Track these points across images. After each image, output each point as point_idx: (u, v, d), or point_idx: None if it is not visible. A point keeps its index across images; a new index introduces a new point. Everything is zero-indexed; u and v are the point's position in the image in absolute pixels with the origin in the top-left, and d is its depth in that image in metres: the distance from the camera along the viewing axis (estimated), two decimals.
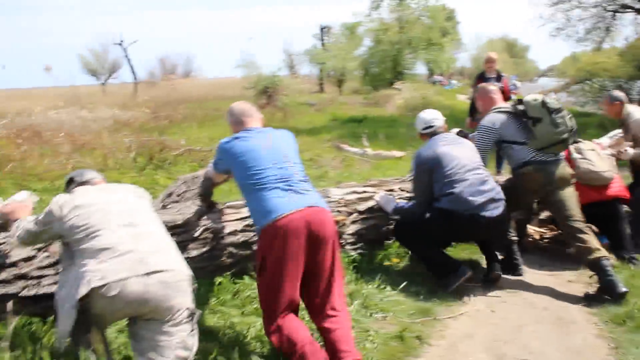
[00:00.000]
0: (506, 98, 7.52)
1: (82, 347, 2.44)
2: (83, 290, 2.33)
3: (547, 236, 5.34)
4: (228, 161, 3.12)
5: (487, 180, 4.04)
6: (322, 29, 41.33)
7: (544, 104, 4.20)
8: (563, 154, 4.37)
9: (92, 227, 2.53)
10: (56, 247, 3.18)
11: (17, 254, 3.19)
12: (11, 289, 3.09)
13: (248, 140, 3.03)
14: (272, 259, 2.83)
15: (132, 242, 2.49)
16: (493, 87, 4.85)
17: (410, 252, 4.30)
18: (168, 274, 2.46)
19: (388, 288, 3.86)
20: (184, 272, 2.56)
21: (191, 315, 2.54)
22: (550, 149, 4.21)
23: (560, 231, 4.90)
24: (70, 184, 3.00)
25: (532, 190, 4.38)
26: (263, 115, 3.39)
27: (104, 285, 2.32)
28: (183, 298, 2.50)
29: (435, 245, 4.15)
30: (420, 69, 27.52)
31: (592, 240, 4.09)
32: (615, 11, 14.62)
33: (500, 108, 4.49)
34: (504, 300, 3.98)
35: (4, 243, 3.21)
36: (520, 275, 4.37)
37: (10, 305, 2.91)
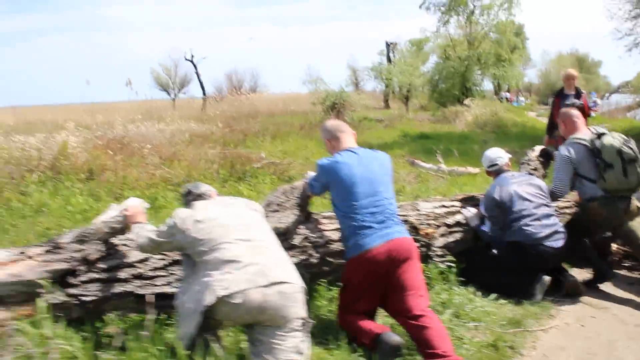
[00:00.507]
0: (586, 115, 7.49)
1: (200, 346, 2.66)
2: (209, 299, 2.58)
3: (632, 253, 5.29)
4: (327, 181, 3.39)
5: (551, 215, 4.29)
6: (387, 45, 41.60)
7: (619, 152, 4.24)
8: None
9: (214, 241, 2.79)
10: None
11: (135, 255, 3.52)
12: (128, 287, 3.41)
13: (352, 167, 3.28)
14: (354, 283, 3.23)
15: (251, 255, 2.74)
16: (576, 112, 4.89)
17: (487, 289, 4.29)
18: (285, 286, 2.69)
19: (477, 299, 3.97)
20: (299, 285, 2.79)
21: (304, 324, 2.76)
22: (617, 193, 4.27)
23: None
24: (188, 195, 3.30)
25: (597, 222, 4.45)
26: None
27: (228, 295, 2.57)
28: (298, 308, 2.74)
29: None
30: (487, 85, 27.29)
31: None
32: None
33: (580, 139, 4.54)
34: (593, 315, 4.01)
35: (125, 244, 3.55)
36: (614, 276, 4.48)
37: (151, 298, 3.19)
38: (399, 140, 15.22)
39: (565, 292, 4.27)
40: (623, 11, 15.88)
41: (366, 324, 3.16)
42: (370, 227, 3.15)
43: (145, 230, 3.14)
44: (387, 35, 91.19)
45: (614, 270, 4.76)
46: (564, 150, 4.51)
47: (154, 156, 8.45)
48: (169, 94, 47.70)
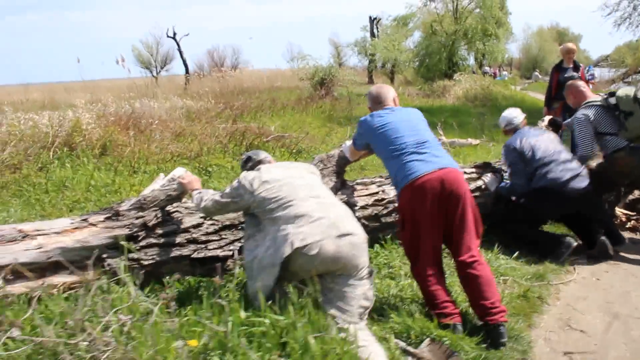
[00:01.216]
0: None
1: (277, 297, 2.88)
2: (287, 250, 2.77)
3: (633, 218, 5.65)
4: (368, 135, 3.55)
5: (572, 160, 4.57)
6: (371, 20, 41.53)
7: (636, 98, 4.53)
8: None
9: (283, 199, 3.00)
10: None
11: (188, 221, 3.74)
12: (184, 251, 3.64)
13: (385, 116, 3.47)
14: (411, 214, 3.27)
15: (321, 210, 2.94)
16: (581, 82, 5.17)
17: (515, 240, 4.59)
18: (355, 237, 2.91)
19: (502, 256, 4.27)
20: (364, 236, 3.00)
21: (370, 272, 3.01)
22: None
23: None
24: (249, 162, 3.49)
25: (624, 172, 4.73)
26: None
27: (305, 246, 2.77)
28: (365, 257, 2.96)
29: (535, 225, 4.61)
30: (470, 60, 27.49)
31: None
32: None
33: (592, 102, 4.83)
34: (606, 270, 4.35)
35: (177, 211, 3.76)
36: (624, 243, 4.72)
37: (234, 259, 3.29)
38: None
39: (598, 250, 4.54)
40: None
41: (440, 297, 3.21)
42: (418, 158, 3.25)
43: (208, 194, 3.33)
44: (370, 10, 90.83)
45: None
46: (580, 115, 4.78)
47: (163, 132, 8.58)
48: (151, 71, 47.25)
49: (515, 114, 4.95)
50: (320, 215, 2.89)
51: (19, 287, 3.09)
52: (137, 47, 45.43)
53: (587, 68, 7.78)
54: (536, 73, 43.38)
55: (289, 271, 2.85)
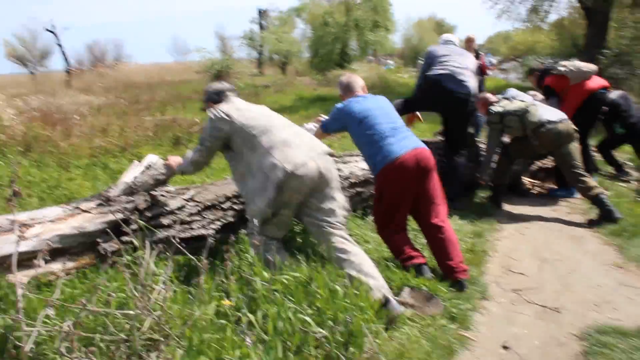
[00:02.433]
0: (484, 73, 8.77)
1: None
2: (280, 174, 3.18)
3: (537, 185, 6.57)
4: (346, 120, 3.94)
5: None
6: (260, 12, 41.79)
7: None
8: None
9: (262, 126, 3.40)
10: None
11: (173, 203, 3.97)
12: (171, 232, 3.87)
13: (363, 103, 3.92)
14: (390, 191, 3.76)
15: (296, 136, 3.42)
16: (491, 95, 5.97)
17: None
18: (325, 154, 3.42)
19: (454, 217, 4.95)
20: (330, 151, 3.55)
21: (341, 183, 3.55)
22: None
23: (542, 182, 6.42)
24: (213, 88, 3.74)
25: (544, 145, 5.47)
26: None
27: (294, 169, 3.19)
28: (336, 169, 3.52)
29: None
30: (363, 51, 28.55)
31: (591, 182, 5.29)
32: None
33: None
34: (527, 227, 5.13)
35: (164, 195, 3.98)
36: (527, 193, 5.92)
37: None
38: (297, 103, 15.94)
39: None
40: None
41: (407, 248, 3.76)
42: (393, 140, 3.73)
43: (189, 153, 3.64)
44: (257, 3, 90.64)
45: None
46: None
47: (83, 127, 8.46)
48: (27, 67, 44.34)
49: None
50: (298, 141, 3.37)
51: (26, 273, 3.22)
52: (9, 42, 42.49)
53: (486, 55, 8.68)
54: (420, 61, 45.73)
55: (284, 195, 3.24)
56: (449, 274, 3.67)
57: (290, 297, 2.76)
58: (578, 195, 5.86)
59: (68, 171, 6.60)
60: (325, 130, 4.24)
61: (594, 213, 5.26)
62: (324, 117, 4.45)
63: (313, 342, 2.56)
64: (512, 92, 5.81)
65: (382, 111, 3.89)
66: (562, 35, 18.40)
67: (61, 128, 7.84)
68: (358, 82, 4.12)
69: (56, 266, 3.41)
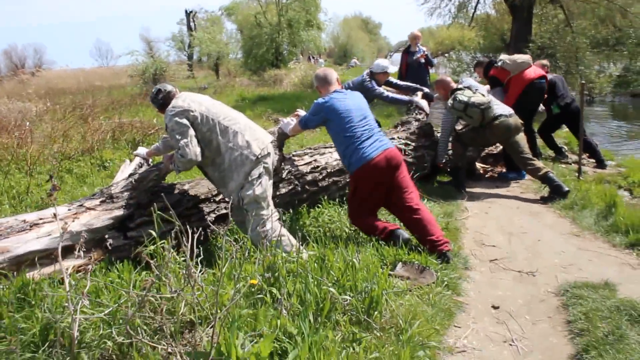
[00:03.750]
0: (430, 66, 9.32)
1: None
2: (257, 150, 3.79)
3: (489, 169, 7.11)
4: (326, 115, 4.23)
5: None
6: (187, 13, 41.24)
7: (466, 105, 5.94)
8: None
9: (222, 114, 3.87)
10: None
11: (171, 198, 4.11)
12: (170, 226, 4.03)
13: (343, 101, 4.23)
14: (364, 188, 4.17)
15: (250, 122, 4.01)
16: (449, 78, 6.45)
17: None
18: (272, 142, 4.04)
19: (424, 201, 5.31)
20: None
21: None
22: None
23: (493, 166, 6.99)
24: (159, 94, 3.98)
25: (496, 135, 5.98)
26: None
27: (264, 153, 3.82)
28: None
29: None
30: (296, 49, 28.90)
31: (538, 164, 5.85)
32: None
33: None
34: (489, 207, 5.60)
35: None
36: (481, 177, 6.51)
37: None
38: (240, 103, 16.01)
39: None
40: None
41: (379, 222, 4.19)
42: (367, 143, 4.10)
43: (174, 156, 3.84)
44: (180, 4, 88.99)
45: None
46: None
47: (37, 133, 8.32)
48: None
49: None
50: (255, 125, 4.00)
51: (46, 270, 3.32)
52: None
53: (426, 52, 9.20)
54: (354, 60, 46.40)
55: (260, 167, 3.82)
56: (433, 249, 4.02)
57: (310, 273, 3.02)
58: (527, 177, 6.42)
59: (33, 177, 6.52)
60: (304, 126, 4.52)
61: (545, 191, 5.81)
62: (302, 112, 4.72)
63: (340, 308, 2.84)
64: (469, 81, 6.27)
65: (359, 112, 4.24)
66: (489, 31, 19.46)
67: (17, 134, 7.68)
68: (333, 74, 4.43)
69: (68, 263, 3.53)
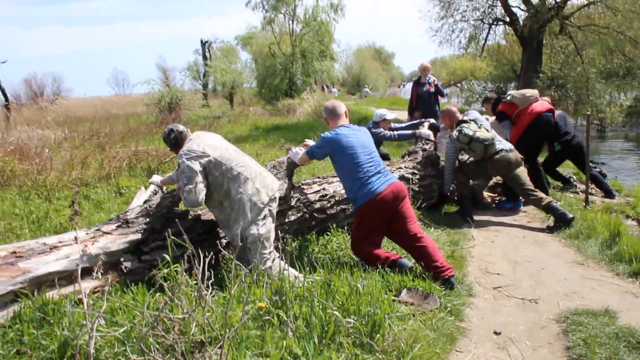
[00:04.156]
0: (437, 97, 9.51)
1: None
2: (265, 198, 4.00)
3: (497, 199, 7.21)
4: (332, 149, 4.40)
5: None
6: (202, 43, 42.06)
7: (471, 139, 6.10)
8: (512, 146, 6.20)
9: (235, 160, 4.00)
10: None
11: (184, 223, 4.28)
12: (184, 250, 4.19)
13: (350, 137, 4.37)
14: (370, 220, 4.30)
15: (260, 167, 4.18)
16: (454, 108, 6.64)
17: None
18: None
19: (431, 230, 5.43)
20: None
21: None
22: None
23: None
24: (171, 133, 4.16)
25: (497, 168, 6.15)
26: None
27: (273, 192, 4.10)
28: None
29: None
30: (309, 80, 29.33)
31: (540, 194, 5.96)
32: (491, 24, 17.47)
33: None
34: (495, 236, 5.69)
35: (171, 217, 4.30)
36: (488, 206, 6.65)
37: None
38: (254, 132, 16.30)
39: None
40: (432, 13, 19.12)
41: (381, 252, 4.30)
42: (374, 179, 4.27)
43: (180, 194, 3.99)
44: (195, 34, 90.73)
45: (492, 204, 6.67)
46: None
47: (56, 160, 8.57)
48: None
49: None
50: (265, 172, 4.18)
51: (64, 290, 3.48)
52: None
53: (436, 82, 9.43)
54: (366, 89, 46.87)
55: (265, 212, 4.00)
56: (437, 275, 4.12)
57: (316, 297, 3.15)
58: (523, 206, 6.68)
59: (52, 203, 6.74)
60: (311, 157, 4.67)
61: (551, 220, 5.89)
62: (311, 142, 4.89)
63: (344, 331, 2.96)
64: (474, 113, 6.42)
65: (364, 148, 4.39)
66: (499, 61, 19.71)
67: (37, 161, 7.94)
68: (342, 107, 4.60)
69: (85, 285, 3.69)
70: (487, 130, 6.05)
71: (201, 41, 41.67)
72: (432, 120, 7.27)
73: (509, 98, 7.01)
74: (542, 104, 6.94)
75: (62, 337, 2.79)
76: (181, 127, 4.21)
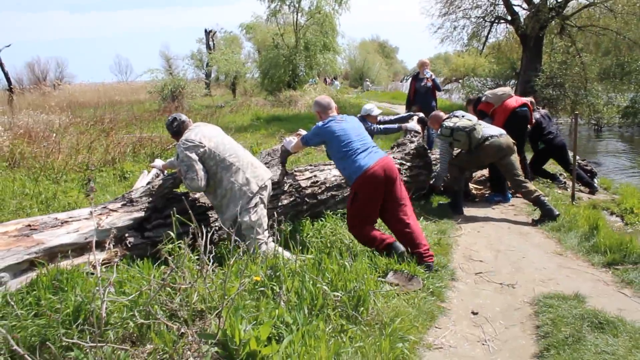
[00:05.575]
0: (435, 91, 9.76)
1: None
2: (255, 188, 4.26)
3: (483, 191, 7.50)
4: (325, 137, 4.69)
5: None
6: (207, 32, 42.20)
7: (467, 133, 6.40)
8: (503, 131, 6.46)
9: (229, 150, 4.30)
10: None
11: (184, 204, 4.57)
12: (184, 228, 4.46)
13: (340, 123, 4.68)
14: (363, 195, 4.52)
15: (253, 157, 4.44)
16: (442, 113, 6.93)
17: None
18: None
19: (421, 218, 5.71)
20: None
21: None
22: None
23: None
24: (174, 122, 4.46)
25: (489, 155, 6.39)
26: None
27: (263, 185, 4.34)
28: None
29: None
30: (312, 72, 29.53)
31: (531, 186, 6.23)
32: (492, 22, 17.69)
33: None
34: (482, 226, 5.98)
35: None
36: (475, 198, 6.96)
37: None
38: (255, 123, 16.55)
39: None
40: (434, 9, 19.36)
41: (377, 234, 4.54)
42: (362, 154, 4.52)
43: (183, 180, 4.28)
44: (199, 23, 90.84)
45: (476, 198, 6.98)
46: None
47: (63, 144, 8.84)
48: None
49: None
50: (257, 163, 4.44)
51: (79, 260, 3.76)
52: None
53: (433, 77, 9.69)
54: (367, 82, 46.97)
55: (255, 200, 4.28)
56: (419, 260, 4.41)
57: (307, 273, 3.43)
58: (511, 200, 6.98)
59: (60, 185, 7.02)
60: (305, 143, 4.99)
61: (536, 214, 6.17)
62: (304, 132, 5.19)
63: (332, 304, 3.25)
64: (459, 112, 6.71)
65: (355, 131, 4.68)
66: (500, 59, 19.95)
67: (46, 145, 8.21)
68: (332, 102, 4.90)
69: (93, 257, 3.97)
70: (470, 120, 6.35)
71: (205, 30, 41.81)
72: (421, 114, 7.57)
73: (484, 98, 7.48)
74: (515, 100, 7.33)
75: (76, 302, 3.07)
76: (184, 117, 4.49)
